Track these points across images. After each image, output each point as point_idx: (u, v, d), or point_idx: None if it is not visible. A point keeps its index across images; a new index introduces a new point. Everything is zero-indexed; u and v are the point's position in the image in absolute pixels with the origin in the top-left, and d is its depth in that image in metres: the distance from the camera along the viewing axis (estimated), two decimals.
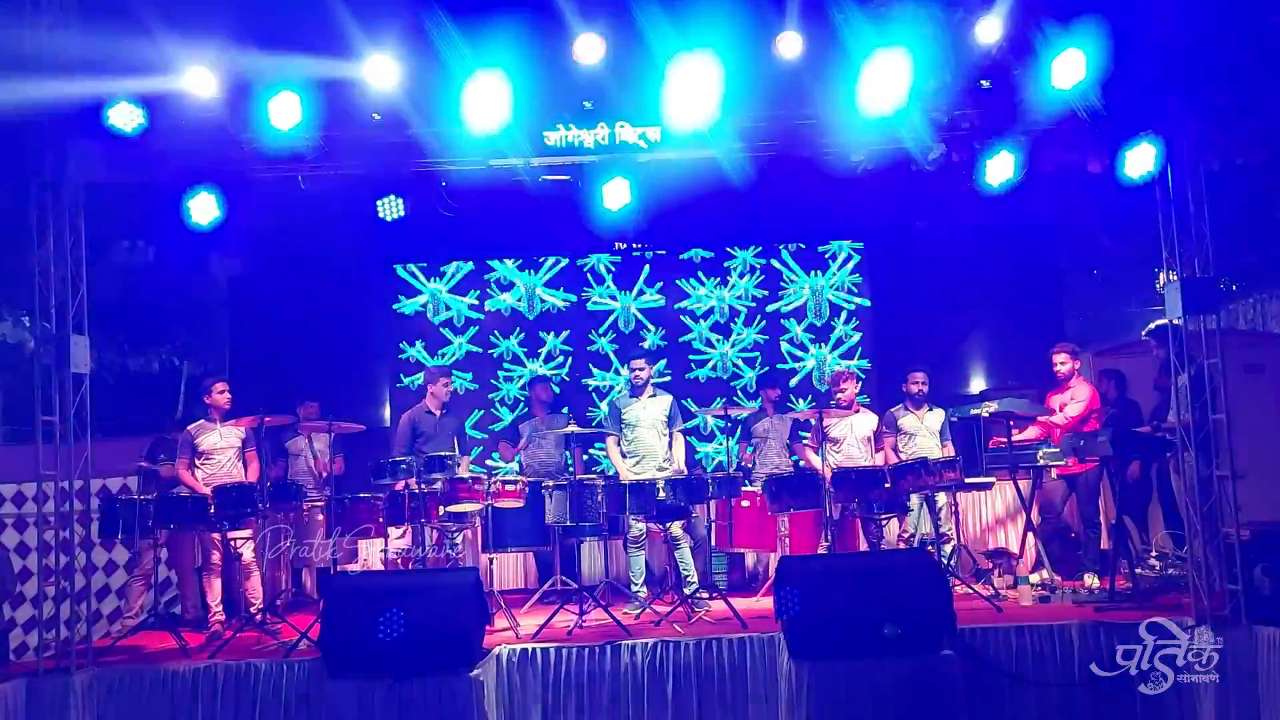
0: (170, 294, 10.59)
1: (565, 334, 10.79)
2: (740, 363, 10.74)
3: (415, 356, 10.72)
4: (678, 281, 10.82)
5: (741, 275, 10.75)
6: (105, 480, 7.89)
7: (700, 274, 10.79)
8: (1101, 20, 6.38)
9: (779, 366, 10.67)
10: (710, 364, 10.75)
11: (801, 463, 8.47)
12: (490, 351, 10.80)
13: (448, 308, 10.80)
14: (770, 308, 10.77)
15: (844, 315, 10.70)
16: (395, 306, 10.79)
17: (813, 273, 10.75)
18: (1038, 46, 6.55)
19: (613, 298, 10.81)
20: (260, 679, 6.06)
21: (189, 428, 7.60)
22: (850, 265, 10.73)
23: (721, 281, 10.78)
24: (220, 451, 7.43)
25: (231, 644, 6.55)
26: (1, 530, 8.18)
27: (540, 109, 6.99)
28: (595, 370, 10.78)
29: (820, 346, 10.70)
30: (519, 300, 10.80)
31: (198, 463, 7.45)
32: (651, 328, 10.79)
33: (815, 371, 10.63)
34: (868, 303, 10.70)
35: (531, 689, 6.09)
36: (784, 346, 10.73)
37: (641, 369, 7.71)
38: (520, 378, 10.73)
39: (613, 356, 10.76)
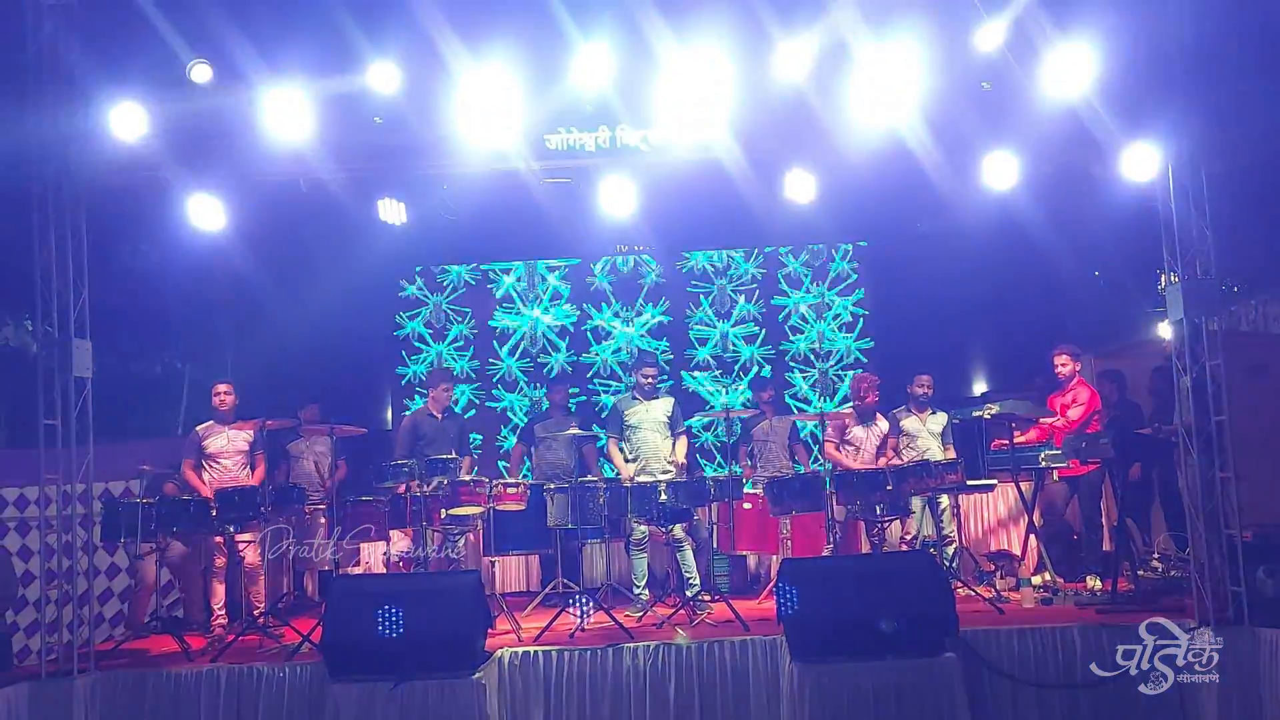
0: (172, 297, 10.57)
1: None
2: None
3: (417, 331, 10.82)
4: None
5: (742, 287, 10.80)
6: (108, 484, 7.89)
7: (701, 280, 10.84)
8: (1103, 21, 6.38)
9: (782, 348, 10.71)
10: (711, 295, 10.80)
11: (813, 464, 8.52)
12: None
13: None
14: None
15: (845, 318, 10.71)
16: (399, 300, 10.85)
17: (817, 284, 10.79)
18: (1039, 47, 6.55)
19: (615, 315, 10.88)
20: (262, 682, 6.08)
21: (197, 429, 7.60)
22: (849, 270, 10.76)
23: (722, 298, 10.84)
24: (227, 455, 7.42)
25: (234, 647, 6.56)
26: (4, 534, 8.17)
27: (541, 112, 6.99)
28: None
29: (822, 320, 10.71)
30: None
31: (205, 464, 7.45)
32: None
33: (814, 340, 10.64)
34: (867, 313, 10.72)
35: (534, 692, 6.09)
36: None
37: (650, 375, 7.70)
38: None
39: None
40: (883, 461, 7.96)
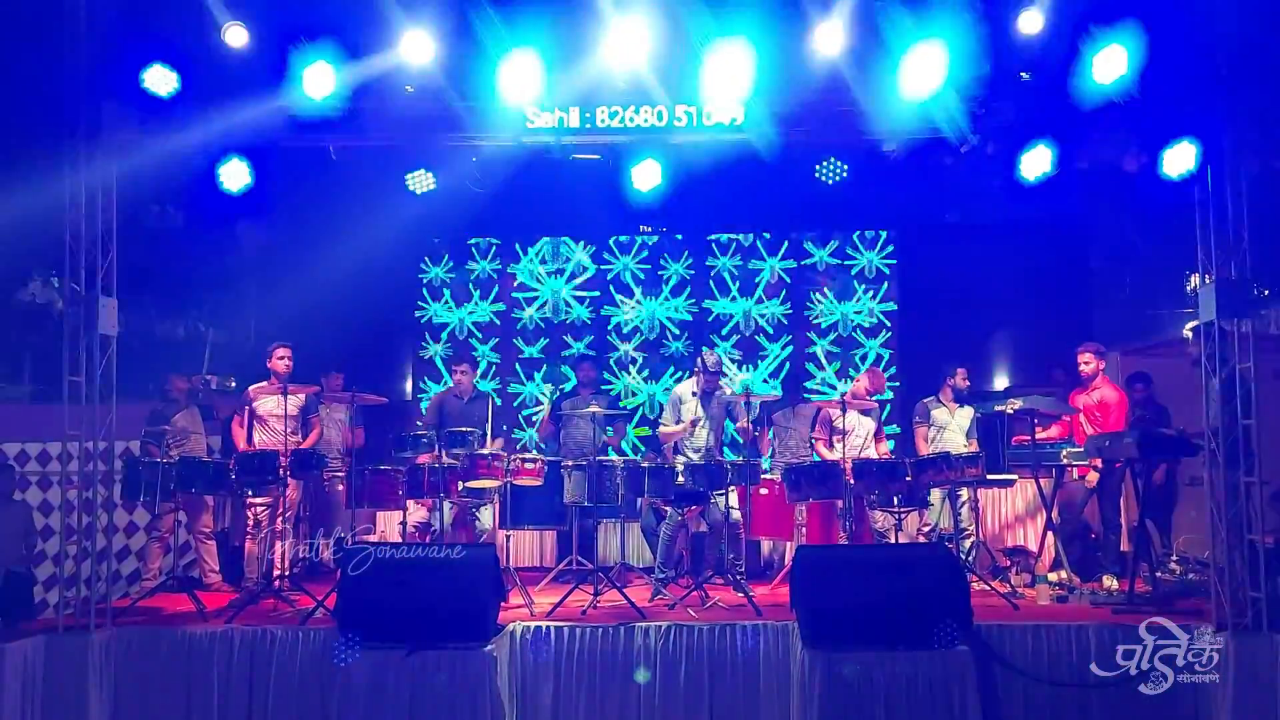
0: (198, 260, 10.60)
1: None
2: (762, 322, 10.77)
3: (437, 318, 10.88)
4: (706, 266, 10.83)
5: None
6: (129, 442, 7.95)
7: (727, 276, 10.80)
8: (1145, 15, 6.28)
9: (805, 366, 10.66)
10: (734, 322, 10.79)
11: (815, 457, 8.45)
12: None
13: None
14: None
15: (872, 305, 10.65)
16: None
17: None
18: (1079, 39, 6.46)
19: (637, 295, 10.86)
20: (276, 645, 6.13)
21: (249, 389, 7.63)
22: (880, 249, 10.68)
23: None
24: (276, 417, 7.35)
25: (248, 609, 6.61)
26: (26, 488, 8.25)
27: (573, 87, 6.94)
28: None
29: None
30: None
31: (256, 425, 7.48)
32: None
33: (841, 324, 10.59)
34: (893, 306, 10.64)
35: (544, 666, 6.11)
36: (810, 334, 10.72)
37: (710, 371, 7.51)
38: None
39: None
40: (882, 449, 8.02)
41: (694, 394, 7.57)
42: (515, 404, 10.74)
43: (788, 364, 10.59)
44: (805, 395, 9.67)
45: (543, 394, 10.57)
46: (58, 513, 6.87)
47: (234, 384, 8.25)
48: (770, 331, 10.67)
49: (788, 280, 10.70)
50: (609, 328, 10.79)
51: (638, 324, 10.73)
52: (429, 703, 5.65)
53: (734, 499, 7.34)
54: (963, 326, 10.19)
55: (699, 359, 7.67)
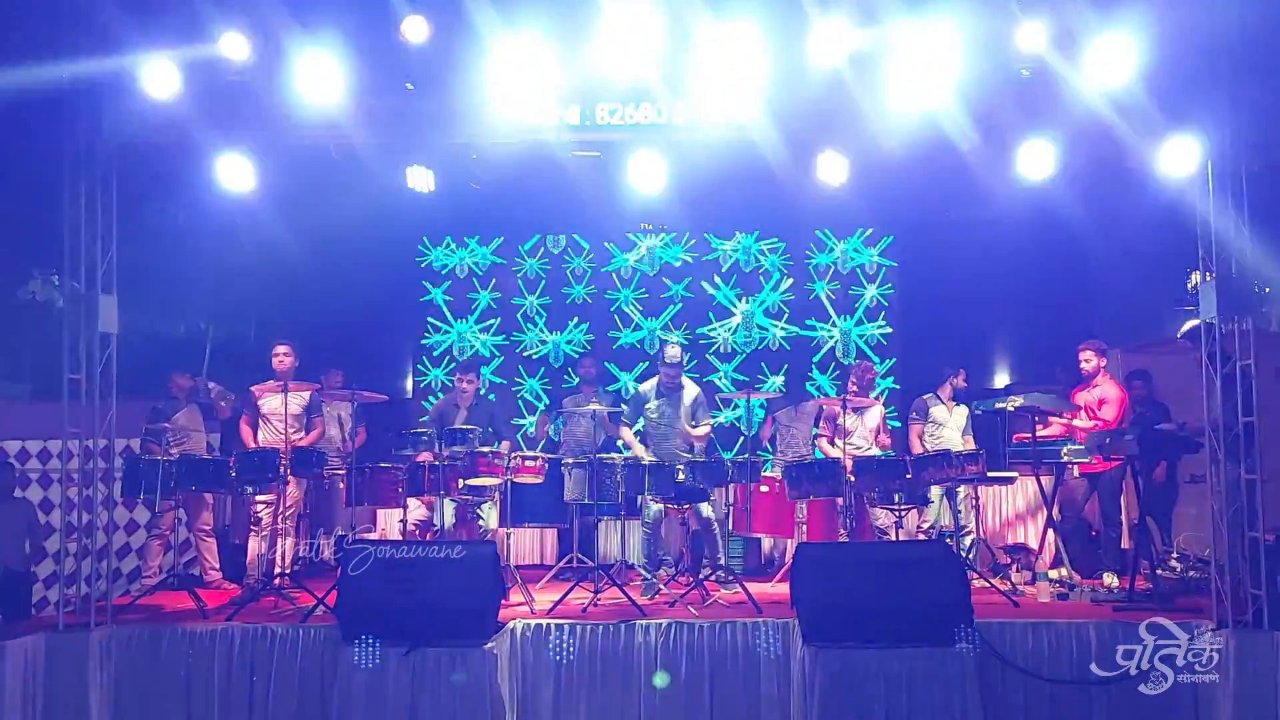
0: (198, 258, 10.60)
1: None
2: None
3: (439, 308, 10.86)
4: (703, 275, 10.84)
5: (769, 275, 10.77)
6: (129, 440, 7.96)
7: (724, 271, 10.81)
8: (1145, 12, 6.27)
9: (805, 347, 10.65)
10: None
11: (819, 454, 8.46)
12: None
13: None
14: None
15: (872, 301, 10.65)
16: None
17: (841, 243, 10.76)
18: (1080, 37, 6.45)
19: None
20: (276, 643, 6.13)
21: (253, 388, 7.65)
22: (878, 250, 10.69)
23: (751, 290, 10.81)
24: (279, 415, 7.31)
25: (249, 607, 6.61)
26: (26, 486, 8.25)
27: (572, 84, 6.93)
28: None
29: (846, 318, 10.65)
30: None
31: (261, 423, 7.55)
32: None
33: (839, 347, 10.59)
34: (892, 289, 10.64)
35: (545, 664, 6.11)
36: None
37: (672, 366, 7.49)
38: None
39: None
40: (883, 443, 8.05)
41: (660, 393, 7.50)
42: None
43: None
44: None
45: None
46: (58, 510, 6.88)
47: (233, 398, 8.28)
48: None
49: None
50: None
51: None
52: (429, 700, 5.66)
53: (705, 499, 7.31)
54: (963, 324, 10.18)
55: (661, 351, 7.57)
